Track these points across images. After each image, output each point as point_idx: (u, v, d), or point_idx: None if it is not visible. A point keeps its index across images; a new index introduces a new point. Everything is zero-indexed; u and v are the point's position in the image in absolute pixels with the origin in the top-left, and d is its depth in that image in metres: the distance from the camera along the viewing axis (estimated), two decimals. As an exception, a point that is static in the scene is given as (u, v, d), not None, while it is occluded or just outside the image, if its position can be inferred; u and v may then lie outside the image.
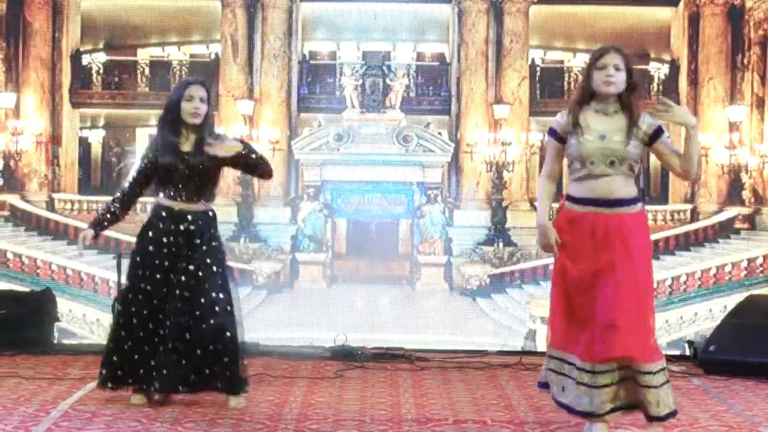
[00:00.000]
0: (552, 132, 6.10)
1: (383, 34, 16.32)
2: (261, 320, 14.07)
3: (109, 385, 6.98)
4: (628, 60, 6.08)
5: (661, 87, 16.47)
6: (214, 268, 6.74)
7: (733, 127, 15.66)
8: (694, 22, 16.03)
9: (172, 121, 6.75)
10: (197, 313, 6.65)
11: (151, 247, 6.79)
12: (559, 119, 6.08)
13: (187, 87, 6.81)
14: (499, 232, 15.62)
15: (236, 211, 15.18)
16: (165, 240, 6.75)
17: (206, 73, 16.36)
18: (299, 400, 7.28)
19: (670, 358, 9.38)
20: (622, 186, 5.97)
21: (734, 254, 15.44)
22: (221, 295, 6.75)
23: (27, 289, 11.92)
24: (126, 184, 6.90)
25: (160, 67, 16.87)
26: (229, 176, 15.22)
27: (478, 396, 7.60)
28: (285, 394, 7.49)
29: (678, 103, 16.27)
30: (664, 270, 15.46)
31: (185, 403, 7.03)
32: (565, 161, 6.16)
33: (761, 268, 15.25)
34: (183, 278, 6.69)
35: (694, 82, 16.01)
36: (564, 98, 16.42)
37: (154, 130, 17.19)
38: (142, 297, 6.77)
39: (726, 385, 8.11)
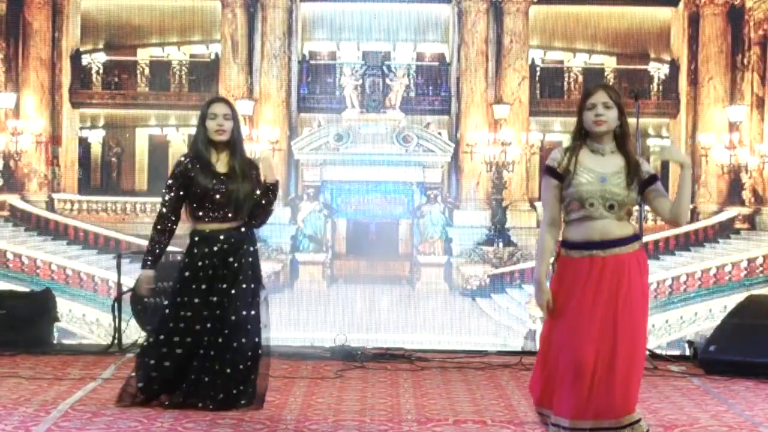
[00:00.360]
0: (550, 170, 5.73)
1: (383, 34, 16.33)
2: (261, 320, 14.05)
3: (142, 397, 6.90)
4: (618, 96, 5.93)
5: (661, 87, 16.48)
6: (244, 285, 6.74)
7: (733, 127, 15.67)
8: (694, 22, 16.03)
9: (202, 141, 6.74)
10: (226, 331, 6.68)
11: (187, 273, 6.80)
12: (556, 156, 5.77)
13: (209, 105, 6.79)
14: (498, 232, 15.63)
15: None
16: (200, 264, 6.75)
17: (206, 73, 16.40)
18: (299, 401, 7.28)
19: (671, 358, 9.40)
20: (618, 228, 5.67)
21: (734, 254, 15.46)
22: (252, 313, 6.77)
23: (27, 289, 11.93)
24: (164, 210, 6.80)
25: (160, 67, 16.88)
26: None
27: (478, 396, 7.60)
28: (285, 395, 7.49)
29: (678, 103, 16.22)
30: (664, 270, 15.48)
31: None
32: None
33: (761, 268, 15.25)
34: (216, 298, 6.72)
35: (694, 82, 16.01)
36: (564, 98, 16.44)
37: (154, 130, 17.35)
38: (183, 324, 6.75)
39: (726, 385, 8.10)
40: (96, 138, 17.18)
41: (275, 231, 15.33)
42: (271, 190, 6.83)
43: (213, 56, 16.52)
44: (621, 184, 5.65)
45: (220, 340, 6.68)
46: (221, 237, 6.72)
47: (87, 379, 8.01)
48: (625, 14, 16.46)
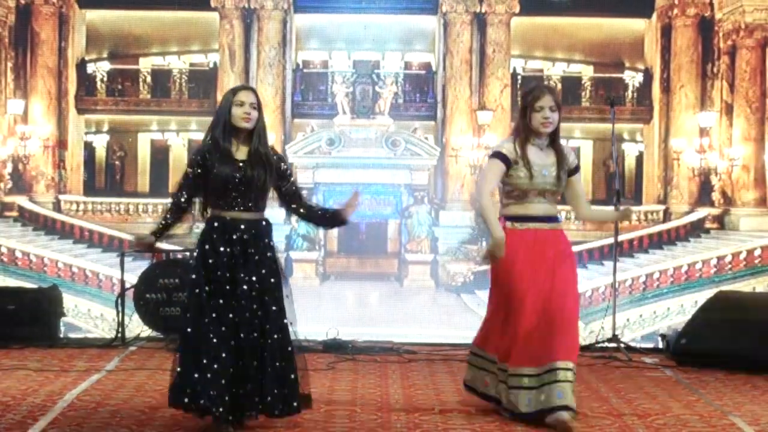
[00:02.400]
0: (502, 156, 6.35)
1: (373, 44, 16.32)
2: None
3: (186, 401, 6.09)
4: (559, 99, 6.49)
5: (635, 94, 16.50)
6: (272, 280, 6.21)
7: (703, 132, 15.70)
8: (666, 32, 16.05)
9: (223, 128, 6.20)
10: (262, 327, 6.10)
11: (210, 260, 6.14)
12: (508, 146, 6.39)
13: (236, 93, 6.24)
14: (482, 231, 15.61)
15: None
16: (222, 250, 6.13)
17: (205, 80, 16.39)
18: (293, 391, 7.26)
19: (645, 351, 9.42)
20: (551, 208, 6.47)
21: (705, 252, 15.49)
22: (281, 308, 6.22)
23: (35, 286, 11.88)
24: (179, 196, 6.25)
25: (161, 75, 16.85)
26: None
27: (463, 387, 7.60)
28: (280, 385, 7.46)
29: (651, 109, 16.36)
30: (639, 267, 15.49)
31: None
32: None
33: (730, 266, 15.28)
34: (245, 287, 6.11)
35: (666, 89, 16.03)
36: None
37: (155, 135, 17.30)
38: (216, 314, 6.06)
39: (697, 376, 8.11)
40: (100, 142, 17.14)
41: (270, 230, 15.30)
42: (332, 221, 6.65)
43: (211, 65, 16.50)
44: (555, 175, 6.37)
45: (256, 336, 6.09)
46: (242, 226, 6.17)
47: (92, 371, 8.00)
48: (601, 25, 16.47)
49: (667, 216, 15.90)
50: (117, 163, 17.22)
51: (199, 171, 6.18)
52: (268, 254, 6.25)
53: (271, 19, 15.98)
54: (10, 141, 15.41)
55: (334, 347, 9.31)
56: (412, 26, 16.50)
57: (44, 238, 15.80)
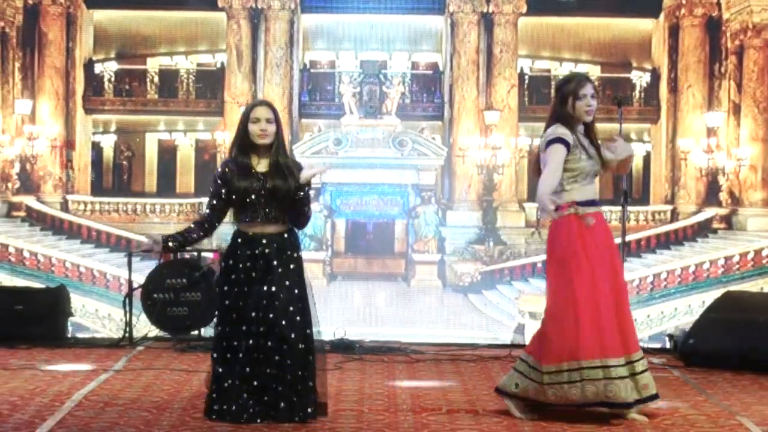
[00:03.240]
0: (564, 141, 6.31)
1: (380, 44, 16.32)
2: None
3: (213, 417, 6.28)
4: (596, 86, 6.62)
5: (642, 94, 16.49)
6: (296, 291, 6.29)
7: (710, 132, 15.68)
8: (674, 32, 16.04)
9: (241, 144, 6.31)
10: (284, 336, 6.20)
11: (233, 276, 6.28)
12: (563, 131, 6.36)
13: (252, 109, 6.34)
14: (489, 231, 15.63)
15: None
16: (242, 266, 6.26)
17: (212, 80, 16.40)
18: (301, 391, 7.26)
19: (652, 351, 9.40)
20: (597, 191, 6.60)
21: (712, 252, 15.47)
22: (306, 318, 6.32)
23: (42, 286, 11.90)
24: (206, 212, 6.39)
25: (168, 75, 16.87)
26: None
27: (470, 387, 7.59)
28: (287, 385, 7.47)
29: (659, 109, 16.32)
30: (646, 267, 15.48)
31: (193, 394, 7.03)
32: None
33: (738, 266, 15.27)
34: (265, 302, 6.22)
35: (673, 89, 16.02)
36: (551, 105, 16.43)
37: (163, 135, 17.33)
38: (238, 326, 6.24)
39: (704, 376, 8.09)
40: (108, 142, 17.16)
41: (277, 231, 15.32)
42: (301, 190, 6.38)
43: (219, 65, 16.51)
44: (598, 156, 6.43)
45: (276, 344, 6.20)
46: (263, 241, 6.27)
47: (99, 370, 8.00)
48: (608, 25, 16.46)
49: (674, 216, 15.89)
50: (124, 163, 17.25)
51: (222, 190, 6.29)
52: (291, 266, 6.32)
53: (278, 19, 15.99)
54: (17, 141, 15.44)
55: (342, 347, 9.31)
56: (419, 26, 16.50)
57: (52, 238, 15.82)
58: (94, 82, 16.41)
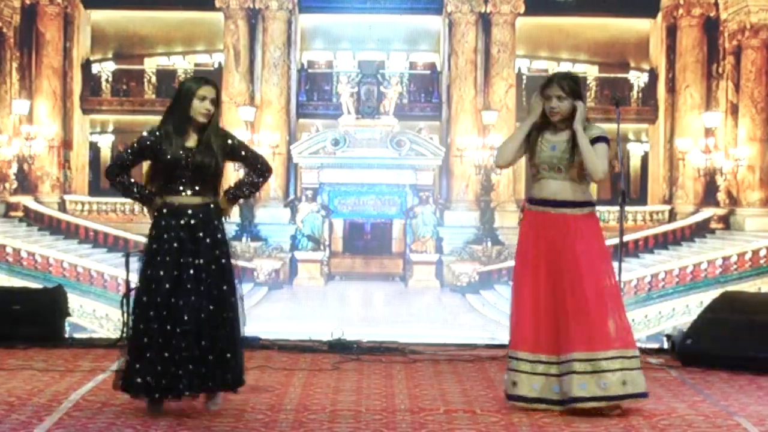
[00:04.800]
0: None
1: (378, 44, 16.33)
2: (262, 315, 14.07)
3: (131, 391, 6.42)
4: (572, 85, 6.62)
5: (640, 94, 16.49)
6: (222, 261, 6.38)
7: (708, 132, 15.69)
8: (671, 33, 16.05)
9: (181, 116, 6.37)
10: (211, 308, 6.28)
11: (155, 245, 6.36)
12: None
13: (201, 87, 6.37)
14: (487, 231, 15.63)
15: (238, 211, 15.18)
16: (167, 236, 6.32)
17: (210, 81, 16.36)
18: (298, 391, 7.27)
19: (650, 351, 9.40)
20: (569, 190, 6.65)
21: (710, 253, 15.47)
22: (230, 288, 6.40)
23: (40, 286, 11.90)
24: (116, 162, 6.58)
25: (166, 75, 16.86)
26: (232, 178, 15.18)
27: (468, 387, 7.59)
28: (285, 386, 7.48)
29: (656, 110, 16.39)
30: (644, 268, 15.49)
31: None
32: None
33: (735, 266, 15.27)
34: (192, 272, 6.29)
35: (671, 89, 16.03)
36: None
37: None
38: (160, 298, 6.27)
39: (702, 376, 8.10)
40: (105, 142, 17.15)
41: (275, 230, 15.33)
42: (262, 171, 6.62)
43: (216, 65, 16.51)
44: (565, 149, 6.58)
45: (205, 316, 6.26)
46: (189, 212, 6.33)
47: (97, 371, 8.00)
48: (606, 25, 16.47)
49: (672, 216, 15.89)
50: (122, 163, 17.21)
51: (145, 154, 6.48)
52: (218, 236, 6.42)
53: (275, 20, 15.99)
54: (15, 141, 15.44)
55: (339, 347, 9.31)
56: (417, 26, 16.51)
57: (49, 238, 15.82)
58: (91, 83, 16.41)
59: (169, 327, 6.26)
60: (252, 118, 15.60)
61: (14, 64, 15.61)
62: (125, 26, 16.47)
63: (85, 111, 16.32)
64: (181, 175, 6.34)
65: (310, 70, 16.72)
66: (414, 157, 15.95)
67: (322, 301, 14.93)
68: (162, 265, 6.31)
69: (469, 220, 15.76)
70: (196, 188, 6.37)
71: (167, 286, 6.27)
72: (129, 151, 6.57)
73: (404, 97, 16.28)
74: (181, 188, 6.37)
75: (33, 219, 15.76)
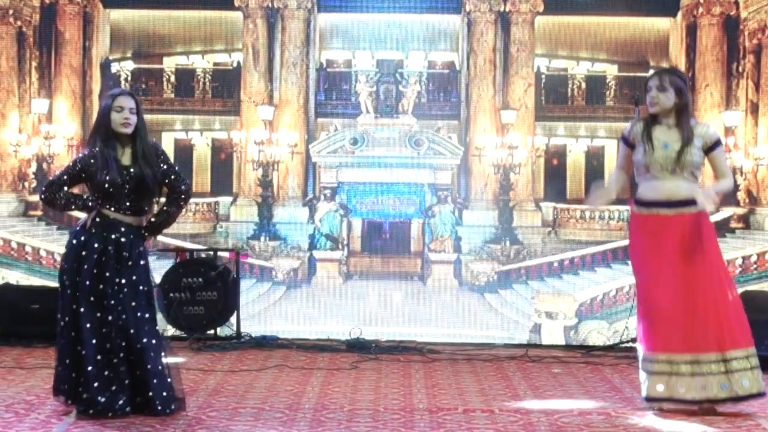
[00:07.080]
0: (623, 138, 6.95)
1: (396, 44, 16.31)
2: (280, 314, 14.09)
3: (55, 394, 6.56)
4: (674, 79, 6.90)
5: (660, 93, 16.41)
6: (141, 287, 6.39)
7: (728, 131, 15.62)
8: (691, 31, 15.99)
9: (105, 133, 6.37)
10: (131, 332, 6.26)
11: (84, 252, 6.32)
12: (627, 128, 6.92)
13: (115, 98, 6.43)
14: (505, 231, 15.60)
15: (257, 210, 15.21)
16: (95, 246, 6.31)
17: (229, 80, 16.41)
18: (316, 390, 7.28)
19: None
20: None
21: (730, 252, 15.38)
22: (148, 315, 6.39)
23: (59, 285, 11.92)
24: (54, 180, 6.44)
25: (185, 74, 16.88)
26: (250, 177, 15.29)
27: (486, 386, 7.59)
28: (303, 385, 7.49)
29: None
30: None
31: (209, 393, 7.04)
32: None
33: (755, 266, 15.21)
34: (111, 291, 6.29)
35: (691, 88, 15.96)
36: (568, 104, 16.42)
37: (179, 134, 17.35)
38: (83, 309, 6.32)
39: (722, 376, 8.07)
40: (124, 142, 17.18)
41: (294, 230, 15.33)
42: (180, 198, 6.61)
43: (235, 64, 16.52)
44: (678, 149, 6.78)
45: (122, 341, 6.27)
46: (121, 228, 6.35)
47: (116, 369, 8.00)
48: (626, 24, 16.41)
49: (692, 216, 15.82)
50: (141, 162, 17.26)
51: (82, 175, 6.38)
52: (142, 262, 6.44)
53: (294, 19, 16.00)
54: (34, 140, 15.48)
55: (358, 346, 9.33)
56: (435, 25, 16.48)
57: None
58: (110, 82, 16.45)
59: (93, 341, 6.29)
60: (271, 117, 15.61)
61: (33, 64, 15.66)
62: (144, 25, 16.50)
63: (104, 110, 16.35)
64: (119, 193, 6.35)
65: (328, 69, 16.72)
66: (432, 156, 15.94)
67: (340, 301, 14.92)
68: (85, 275, 6.32)
69: (487, 219, 15.73)
70: (133, 206, 6.40)
71: (91, 298, 6.30)
72: (65, 174, 6.49)
73: (423, 96, 16.26)
74: (117, 205, 6.38)
75: (52, 218, 15.80)
